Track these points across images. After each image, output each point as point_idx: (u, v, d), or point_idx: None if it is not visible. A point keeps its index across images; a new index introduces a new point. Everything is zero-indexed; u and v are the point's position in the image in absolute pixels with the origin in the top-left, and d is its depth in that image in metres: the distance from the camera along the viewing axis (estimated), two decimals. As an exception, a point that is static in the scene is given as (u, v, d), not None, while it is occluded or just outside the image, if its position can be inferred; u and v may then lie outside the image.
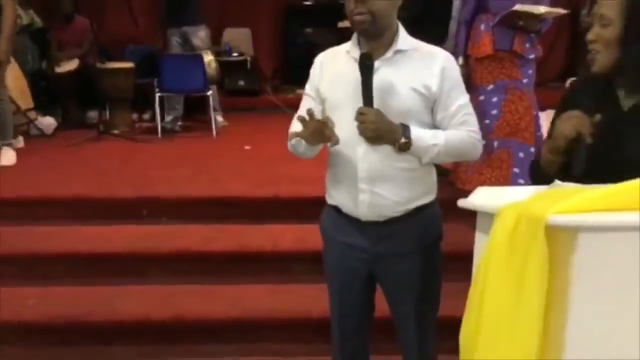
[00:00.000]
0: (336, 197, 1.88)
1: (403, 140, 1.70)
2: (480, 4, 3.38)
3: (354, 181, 1.79)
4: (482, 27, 3.35)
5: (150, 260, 3.19)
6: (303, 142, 1.77)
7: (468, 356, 1.31)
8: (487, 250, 1.22)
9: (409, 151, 1.73)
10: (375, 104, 1.70)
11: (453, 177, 3.54)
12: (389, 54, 1.76)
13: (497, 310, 1.23)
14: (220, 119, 5.45)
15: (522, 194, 1.30)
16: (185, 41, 5.31)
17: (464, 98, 1.82)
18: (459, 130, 1.79)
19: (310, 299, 2.85)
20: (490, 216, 1.27)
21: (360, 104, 1.70)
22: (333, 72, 1.83)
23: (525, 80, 3.36)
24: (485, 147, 3.34)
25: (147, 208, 3.55)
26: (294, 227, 3.34)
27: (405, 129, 1.71)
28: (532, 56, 3.35)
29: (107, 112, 5.40)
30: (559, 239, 1.17)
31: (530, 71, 3.37)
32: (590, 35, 1.51)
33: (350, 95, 1.74)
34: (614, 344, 1.19)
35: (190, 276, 3.13)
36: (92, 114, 5.57)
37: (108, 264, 3.20)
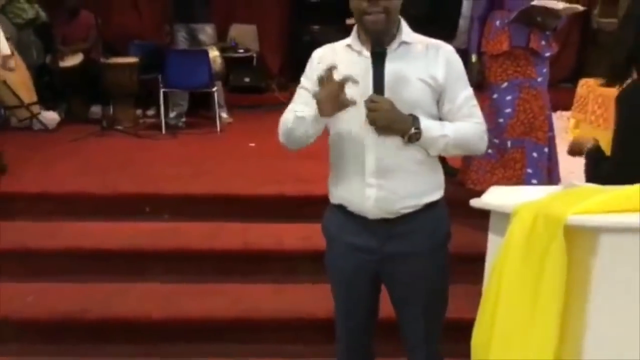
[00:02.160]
0: (341, 194, 1.82)
1: (413, 130, 1.68)
2: (494, 0, 3.31)
3: (362, 175, 1.74)
4: (497, 23, 3.28)
5: (151, 257, 3.14)
6: (305, 120, 1.71)
7: (481, 357, 1.25)
8: (502, 250, 1.17)
9: (418, 142, 1.70)
10: (385, 94, 1.67)
11: (463, 178, 3.48)
12: (394, 45, 1.75)
13: (512, 311, 1.19)
14: (224, 115, 5.40)
15: (537, 193, 1.25)
16: (192, 37, 5.26)
17: (469, 90, 1.80)
18: (466, 122, 1.76)
19: (314, 299, 2.80)
20: (504, 216, 1.22)
21: (366, 95, 1.67)
22: (336, 65, 1.77)
23: (539, 79, 3.30)
24: (498, 146, 3.33)
25: (150, 205, 3.50)
26: (299, 226, 3.28)
27: (415, 119, 1.69)
28: (547, 54, 3.29)
29: (111, 108, 5.35)
30: (578, 239, 1.12)
31: (544, 69, 3.32)
32: None
33: (358, 87, 1.69)
34: (634, 347, 1.14)
35: (191, 274, 3.08)
36: (96, 109, 5.52)
37: (109, 260, 3.15)
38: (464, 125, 1.74)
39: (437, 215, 1.82)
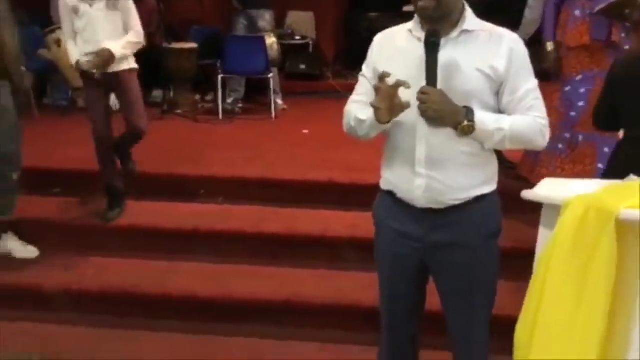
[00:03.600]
0: (391, 181, 1.82)
1: (466, 122, 1.64)
2: None
3: (412, 164, 1.73)
4: (578, 12, 3.13)
5: (202, 238, 3.23)
6: (365, 123, 1.74)
7: (523, 355, 1.23)
8: (551, 242, 1.15)
9: (472, 135, 1.66)
10: (439, 84, 1.65)
11: (529, 174, 3.37)
12: (455, 33, 1.71)
13: (557, 306, 1.16)
14: (279, 102, 5.45)
15: (591, 186, 1.21)
16: (252, 23, 5.32)
17: (532, 82, 1.73)
18: (525, 115, 1.70)
19: (358, 286, 2.82)
20: (556, 209, 1.19)
21: (421, 83, 1.65)
22: (393, 50, 1.77)
23: None
24: (569, 140, 3.23)
25: (205, 187, 3.60)
26: (348, 214, 3.30)
27: (468, 111, 1.65)
28: (627, 46, 3.14)
29: (172, 92, 5.49)
30: (630, 234, 1.07)
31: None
32: None
33: (411, 74, 1.68)
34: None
35: (240, 256, 3.16)
36: (157, 93, 5.67)
37: (163, 239, 3.26)
38: (523, 119, 1.69)
39: (486, 208, 1.78)
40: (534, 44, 3.23)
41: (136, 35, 3.37)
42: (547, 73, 3.34)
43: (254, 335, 2.76)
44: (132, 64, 3.44)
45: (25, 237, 3.22)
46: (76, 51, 3.31)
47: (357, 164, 3.57)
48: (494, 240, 1.82)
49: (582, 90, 3.18)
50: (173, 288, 2.94)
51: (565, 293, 1.11)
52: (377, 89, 1.65)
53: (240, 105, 5.43)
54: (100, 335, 2.76)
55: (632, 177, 1.23)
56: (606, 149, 3.22)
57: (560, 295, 1.12)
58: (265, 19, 5.29)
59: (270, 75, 5.19)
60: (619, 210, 1.05)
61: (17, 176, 3.12)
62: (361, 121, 1.75)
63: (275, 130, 4.86)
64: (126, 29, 3.33)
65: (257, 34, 5.22)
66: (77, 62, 3.28)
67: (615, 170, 2.61)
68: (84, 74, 3.30)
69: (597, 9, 3.06)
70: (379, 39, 1.83)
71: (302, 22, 6.69)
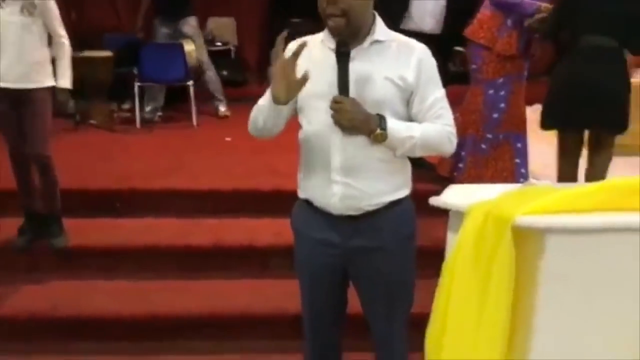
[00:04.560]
0: (308, 189, 1.83)
1: (379, 130, 1.68)
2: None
3: (328, 172, 1.75)
4: (509, 22, 3.30)
5: (123, 254, 3.11)
6: (264, 107, 1.72)
7: (434, 356, 1.27)
8: (454, 249, 1.19)
9: (385, 143, 1.70)
10: (351, 93, 1.68)
11: (449, 173, 3.52)
12: (366, 44, 1.74)
13: (462, 310, 1.20)
14: (222, 109, 5.33)
15: (494, 192, 1.26)
16: (175, 30, 5.18)
17: (440, 92, 1.79)
18: (434, 123, 1.76)
19: (286, 294, 2.78)
20: (460, 215, 1.23)
21: (335, 93, 1.67)
22: (306, 59, 1.77)
23: (525, 73, 3.42)
24: (491, 141, 3.44)
25: (124, 200, 3.47)
26: (272, 222, 3.27)
27: (381, 119, 1.69)
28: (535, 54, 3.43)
29: (85, 102, 5.27)
30: (527, 240, 1.13)
31: (528, 63, 3.44)
32: None
33: (324, 84, 1.70)
34: (580, 346, 1.16)
35: (164, 271, 3.07)
36: (69, 104, 5.42)
37: (79, 259, 3.11)
38: (433, 127, 1.74)
39: (401, 212, 1.82)
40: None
41: (67, 49, 3.01)
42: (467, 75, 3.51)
43: (180, 351, 2.69)
44: (46, 80, 2.98)
45: None
46: None
47: (281, 170, 3.56)
48: (409, 243, 1.87)
49: (502, 92, 3.38)
50: (94, 307, 2.81)
51: (470, 300, 1.16)
52: (274, 56, 1.65)
53: (159, 113, 5.29)
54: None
55: (533, 182, 1.30)
56: (519, 145, 3.49)
57: (464, 302, 1.17)
58: (190, 24, 5.18)
59: (190, 82, 5.09)
60: (515, 217, 1.10)
61: None
62: (260, 107, 1.74)
63: (197, 139, 4.76)
64: (43, 38, 2.91)
65: (180, 41, 5.08)
66: None
67: (559, 87, 3.00)
68: None
69: (526, 22, 3.24)
70: (292, 46, 1.83)
71: (223, 28, 6.61)
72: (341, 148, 1.72)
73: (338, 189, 1.74)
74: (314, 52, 1.76)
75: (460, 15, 3.57)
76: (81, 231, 3.23)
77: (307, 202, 1.84)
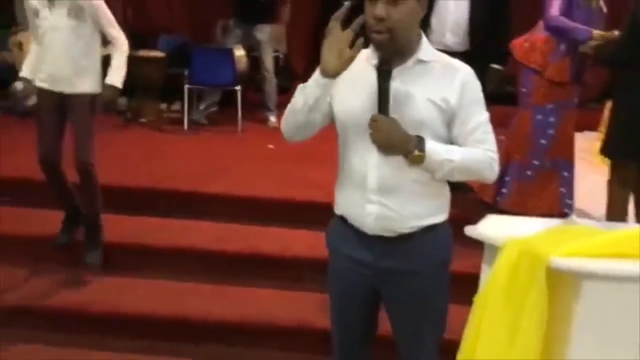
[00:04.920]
0: (343, 206, 1.82)
1: (416, 152, 1.65)
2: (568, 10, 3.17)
3: (363, 191, 1.73)
4: (563, 47, 3.24)
5: (157, 254, 3.17)
6: (306, 89, 1.66)
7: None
8: (487, 283, 1.15)
9: (422, 165, 1.67)
10: (391, 113, 1.66)
11: (491, 199, 3.46)
12: (410, 63, 1.71)
13: (491, 347, 1.17)
14: (273, 119, 5.21)
15: (532, 227, 1.22)
16: (249, 34, 5.15)
17: (483, 115, 1.74)
18: (476, 148, 1.71)
19: (317, 307, 2.80)
20: (495, 248, 1.19)
21: (374, 111, 1.66)
22: (349, 77, 1.76)
23: (576, 100, 3.35)
24: (537, 168, 3.37)
25: (165, 201, 3.54)
26: (308, 233, 3.27)
27: (420, 141, 1.66)
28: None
29: (136, 100, 5.41)
30: (562, 282, 1.09)
31: (579, 90, 3.37)
32: None
33: (365, 101, 1.69)
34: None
35: (198, 274, 3.11)
36: (121, 101, 5.58)
37: (118, 254, 3.19)
38: (474, 151, 1.70)
39: (437, 238, 1.78)
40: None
41: (122, 49, 2.91)
42: (516, 96, 3.45)
43: (207, 357, 2.71)
44: (91, 86, 2.89)
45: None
46: (29, 64, 2.94)
47: (320, 182, 3.56)
48: (444, 270, 1.83)
49: (552, 119, 3.31)
50: (128, 306, 2.87)
51: (499, 338, 1.13)
52: (330, 29, 1.59)
53: (213, 109, 5.30)
54: (51, 352, 2.67)
55: (574, 219, 1.25)
56: (566, 173, 3.40)
57: (494, 340, 1.13)
58: (264, 31, 5.13)
59: (238, 88, 5.15)
60: (550, 258, 1.06)
61: None
62: (302, 88, 1.69)
63: (241, 144, 4.82)
64: (92, 43, 2.85)
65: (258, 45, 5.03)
66: (19, 79, 2.92)
67: (626, 117, 2.96)
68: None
69: (580, 48, 3.18)
70: None
71: (273, 35, 6.66)
72: (377, 167, 1.70)
73: (373, 209, 1.72)
74: (356, 69, 1.74)
75: (489, 30, 3.44)
76: (121, 228, 3.31)
77: (342, 219, 1.82)
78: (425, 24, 3.29)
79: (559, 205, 3.35)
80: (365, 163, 1.71)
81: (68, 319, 2.83)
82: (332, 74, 1.64)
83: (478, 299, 1.19)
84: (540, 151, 3.34)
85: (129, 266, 3.14)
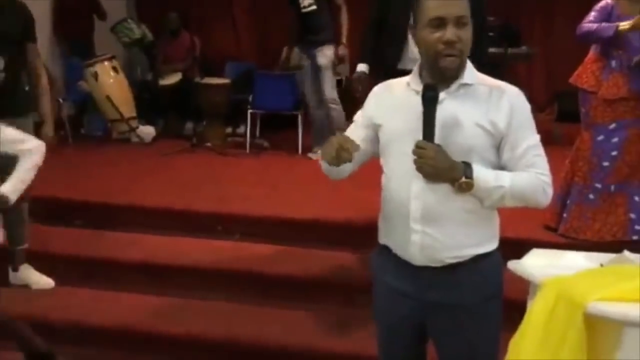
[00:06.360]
0: (387, 235, 1.76)
1: (464, 179, 1.58)
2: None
3: (407, 220, 1.66)
4: (614, 63, 3.09)
5: (214, 275, 3.20)
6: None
7: None
8: (523, 325, 1.05)
9: (471, 192, 1.59)
10: (437, 139, 1.59)
11: (552, 222, 3.29)
12: (454, 87, 1.65)
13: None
14: (312, 156, 4.92)
15: (576, 262, 1.11)
16: (312, 59, 4.90)
17: (534, 138, 1.66)
18: (527, 172, 1.62)
19: (370, 334, 2.71)
20: (536, 284, 1.10)
21: (419, 137, 1.59)
22: (391, 103, 1.73)
23: None
24: (600, 191, 3.16)
25: (222, 223, 3.59)
26: (364, 257, 3.21)
27: (467, 167, 1.59)
28: None
29: (202, 125, 5.58)
30: (601, 327, 0.98)
31: None
32: None
33: (409, 127, 1.63)
34: None
35: (250, 296, 3.10)
36: (189, 126, 5.79)
37: (177, 275, 3.25)
38: (524, 175, 1.61)
39: (486, 268, 1.69)
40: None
41: (32, 157, 2.41)
42: (578, 114, 3.27)
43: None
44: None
45: (42, 268, 3.24)
46: None
47: (378, 206, 3.49)
48: (494, 302, 1.71)
49: (615, 139, 3.11)
50: (182, 327, 2.89)
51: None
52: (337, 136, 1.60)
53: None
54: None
55: (626, 255, 1.13)
56: (636, 198, 3.13)
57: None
58: (325, 54, 4.84)
59: (298, 112, 5.19)
60: (589, 302, 0.95)
61: (27, 207, 3.09)
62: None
63: (300, 167, 4.83)
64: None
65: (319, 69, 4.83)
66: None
67: None
68: None
69: (635, 59, 3.01)
70: (377, 90, 1.80)
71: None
72: (422, 196, 1.64)
73: (417, 238, 1.65)
74: (398, 95, 1.71)
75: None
76: (179, 249, 3.37)
77: (387, 248, 1.77)
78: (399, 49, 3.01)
79: (626, 232, 3.11)
80: (408, 191, 1.65)
81: (124, 337, 2.89)
82: (335, 165, 1.61)
83: (513, 342, 1.09)
84: (601, 174, 3.13)
85: (186, 287, 3.18)
